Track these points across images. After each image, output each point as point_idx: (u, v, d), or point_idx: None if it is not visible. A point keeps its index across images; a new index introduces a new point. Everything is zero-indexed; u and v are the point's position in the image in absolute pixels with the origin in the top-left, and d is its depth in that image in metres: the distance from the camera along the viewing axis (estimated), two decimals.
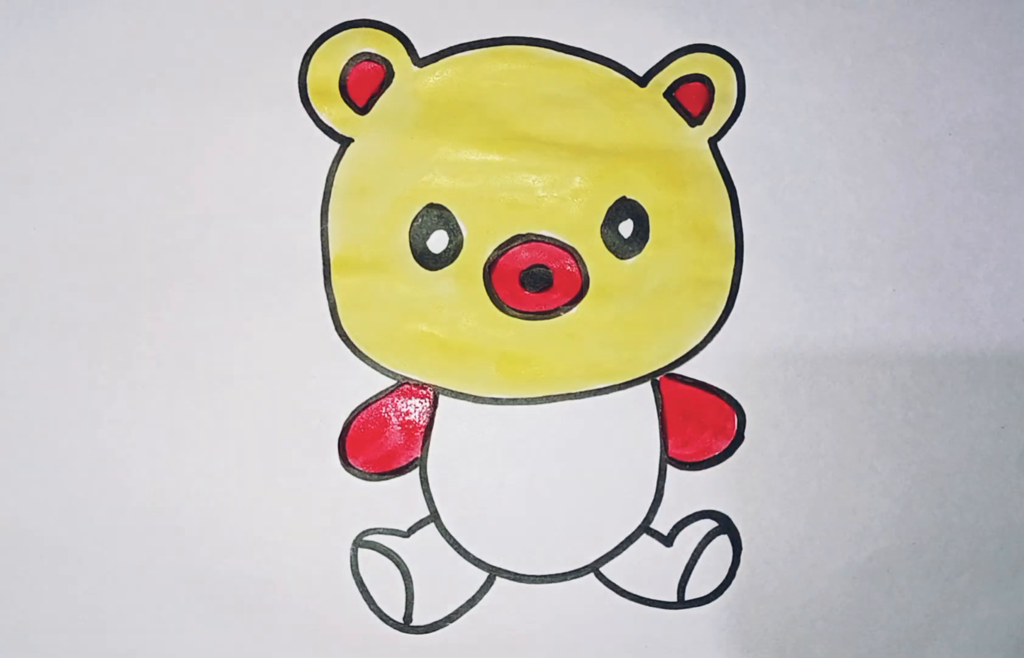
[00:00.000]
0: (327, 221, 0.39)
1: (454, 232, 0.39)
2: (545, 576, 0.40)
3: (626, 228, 0.39)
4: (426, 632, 0.39)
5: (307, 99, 0.39)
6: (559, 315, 0.39)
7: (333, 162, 0.39)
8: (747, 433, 0.40)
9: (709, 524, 0.40)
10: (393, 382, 0.39)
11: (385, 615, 0.39)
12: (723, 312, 0.40)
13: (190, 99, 0.39)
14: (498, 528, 0.39)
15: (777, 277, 0.40)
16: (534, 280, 0.39)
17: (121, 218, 0.38)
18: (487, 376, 0.39)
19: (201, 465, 0.38)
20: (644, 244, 0.40)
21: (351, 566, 0.39)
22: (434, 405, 0.39)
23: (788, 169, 0.40)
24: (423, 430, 0.39)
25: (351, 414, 0.39)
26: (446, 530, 0.39)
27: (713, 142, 0.40)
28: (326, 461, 0.39)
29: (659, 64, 0.40)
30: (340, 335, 0.39)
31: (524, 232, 0.39)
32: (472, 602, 0.40)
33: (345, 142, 0.39)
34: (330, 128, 0.39)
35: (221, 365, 0.38)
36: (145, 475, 0.38)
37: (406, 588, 0.39)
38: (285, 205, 0.39)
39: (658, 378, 0.40)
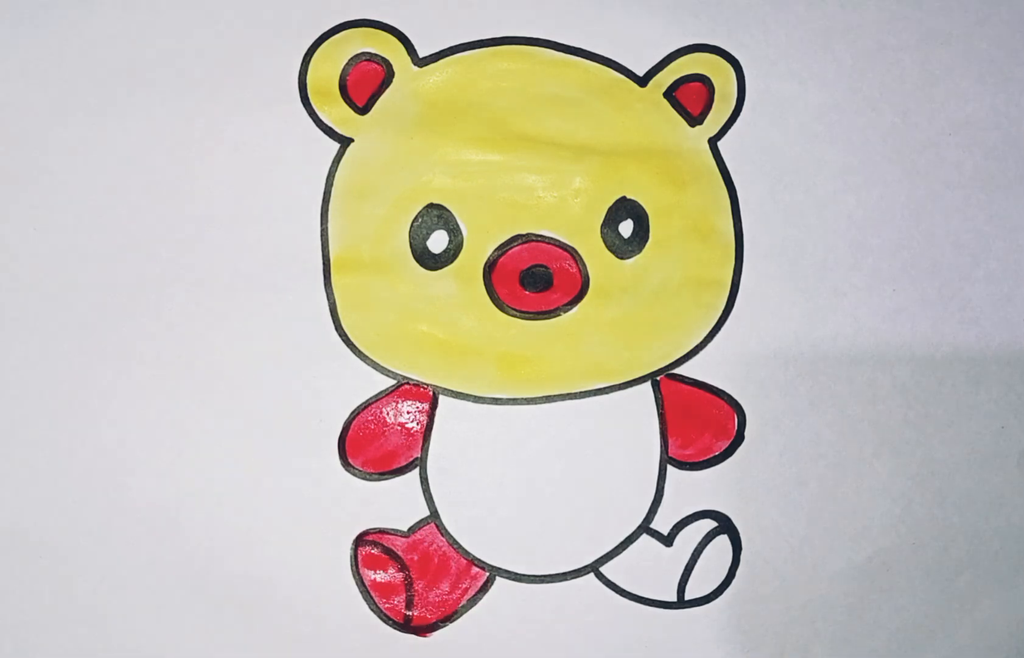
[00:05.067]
0: (327, 221, 0.39)
1: (454, 232, 0.39)
2: (545, 576, 0.40)
3: (626, 228, 0.39)
4: (426, 632, 0.39)
5: (307, 99, 0.39)
6: (559, 315, 0.39)
7: (333, 162, 0.39)
8: (747, 433, 0.40)
9: (709, 524, 0.40)
10: (393, 382, 0.39)
11: (385, 615, 0.39)
12: (723, 312, 0.40)
13: (190, 99, 0.39)
14: (498, 528, 0.39)
15: (777, 277, 0.40)
16: (534, 280, 0.39)
17: (121, 218, 0.38)
18: (487, 376, 0.39)
19: (201, 465, 0.38)
20: (644, 244, 0.40)
21: (351, 566, 0.39)
22: (434, 405, 0.39)
23: (788, 169, 0.40)
24: (423, 430, 0.39)
25: (351, 414, 0.39)
26: (446, 530, 0.39)
27: (713, 142, 0.40)
28: (326, 461, 0.39)
29: (659, 64, 0.40)
30: (340, 335, 0.39)
31: (524, 232, 0.39)
32: (472, 602, 0.40)
33: (345, 142, 0.39)
34: (330, 128, 0.39)
35: (221, 365, 0.38)
36: (145, 475, 0.38)
37: (406, 588, 0.39)
38: (285, 205, 0.39)
39: (658, 378, 0.40)
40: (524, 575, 0.40)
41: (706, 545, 0.40)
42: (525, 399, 0.39)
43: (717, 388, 0.40)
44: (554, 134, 0.39)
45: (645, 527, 0.40)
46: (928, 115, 0.41)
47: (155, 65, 0.39)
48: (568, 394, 0.39)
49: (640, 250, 0.40)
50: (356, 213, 0.39)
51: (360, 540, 0.39)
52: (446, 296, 0.39)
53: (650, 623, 0.40)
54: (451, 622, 0.40)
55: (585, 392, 0.39)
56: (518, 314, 0.39)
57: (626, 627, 0.40)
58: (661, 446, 0.40)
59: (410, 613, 0.39)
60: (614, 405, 0.40)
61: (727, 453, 0.40)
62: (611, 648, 0.40)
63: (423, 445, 0.39)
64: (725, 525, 0.40)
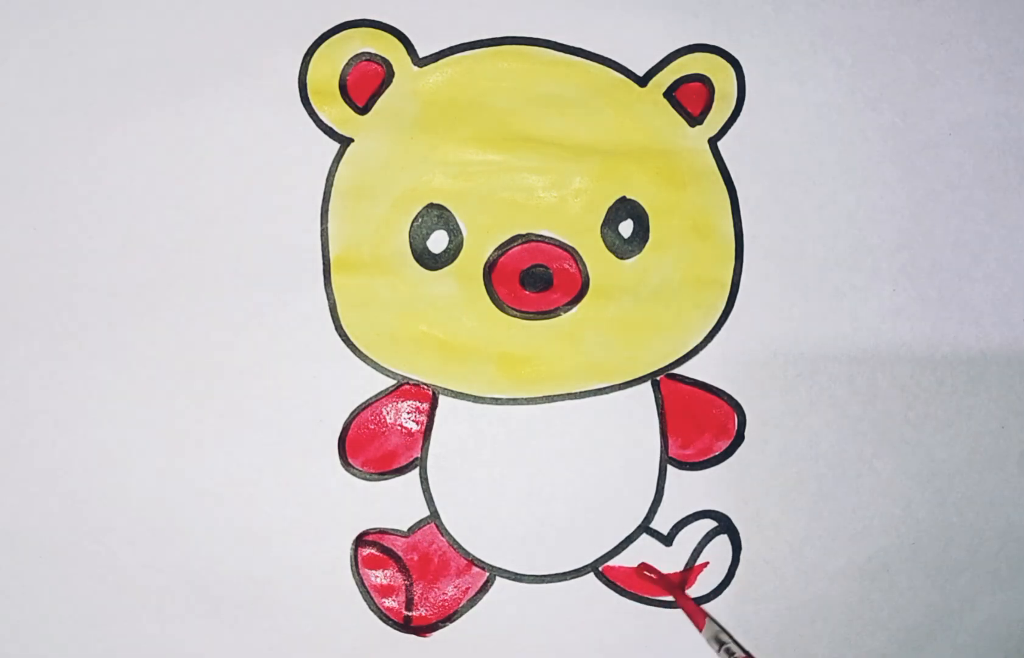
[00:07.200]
0: (327, 221, 0.39)
1: (454, 232, 0.39)
2: (545, 576, 0.40)
3: (626, 228, 0.39)
4: (426, 632, 0.39)
5: (307, 99, 0.39)
6: (559, 315, 0.39)
7: (333, 162, 0.39)
8: (747, 433, 0.40)
9: (709, 524, 0.40)
10: (393, 382, 0.39)
11: (385, 615, 0.39)
12: (723, 312, 0.40)
13: (190, 99, 0.39)
14: (498, 528, 0.39)
15: (777, 277, 0.40)
16: (534, 280, 0.39)
17: (121, 218, 0.38)
18: (487, 376, 0.39)
19: (201, 465, 0.38)
20: (644, 244, 0.40)
21: (351, 566, 0.39)
22: (434, 405, 0.39)
23: (788, 169, 0.40)
24: (423, 430, 0.39)
25: (351, 414, 0.39)
26: (446, 530, 0.39)
27: (713, 142, 0.40)
28: (326, 461, 0.39)
29: (659, 64, 0.40)
30: (340, 335, 0.39)
31: (524, 232, 0.39)
32: (472, 602, 0.40)
33: (345, 142, 0.39)
34: (330, 128, 0.39)
35: (221, 365, 0.38)
36: (145, 475, 0.38)
37: (406, 588, 0.39)
38: (285, 205, 0.39)
39: (658, 378, 0.40)
40: (524, 575, 0.40)
41: (706, 545, 0.40)
42: (525, 399, 0.39)
43: (717, 388, 0.40)
44: (554, 134, 0.39)
45: (645, 527, 0.40)
46: (928, 115, 0.41)
47: (155, 65, 0.39)
48: (568, 394, 0.39)
49: (640, 250, 0.40)
50: (356, 213, 0.39)
51: (360, 540, 0.39)
52: (446, 296, 0.39)
53: (650, 623, 0.40)
54: (451, 622, 0.40)
55: (585, 392, 0.39)
56: (518, 314, 0.39)
57: (626, 627, 0.40)
58: (661, 446, 0.40)
59: (410, 613, 0.39)
60: (614, 405, 0.40)
61: (727, 453, 0.40)
62: (611, 648, 0.40)
63: (423, 445, 0.39)
64: (725, 525, 0.40)
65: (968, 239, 0.41)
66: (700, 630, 0.38)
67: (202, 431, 0.38)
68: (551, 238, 0.39)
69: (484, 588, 0.40)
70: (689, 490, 0.40)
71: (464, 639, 0.40)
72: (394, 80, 0.39)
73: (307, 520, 0.39)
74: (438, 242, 0.39)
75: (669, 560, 0.40)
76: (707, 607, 0.40)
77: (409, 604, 0.39)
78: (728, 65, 0.40)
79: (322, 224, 0.39)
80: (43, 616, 0.39)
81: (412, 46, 0.39)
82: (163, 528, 0.38)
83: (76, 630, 0.39)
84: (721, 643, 0.37)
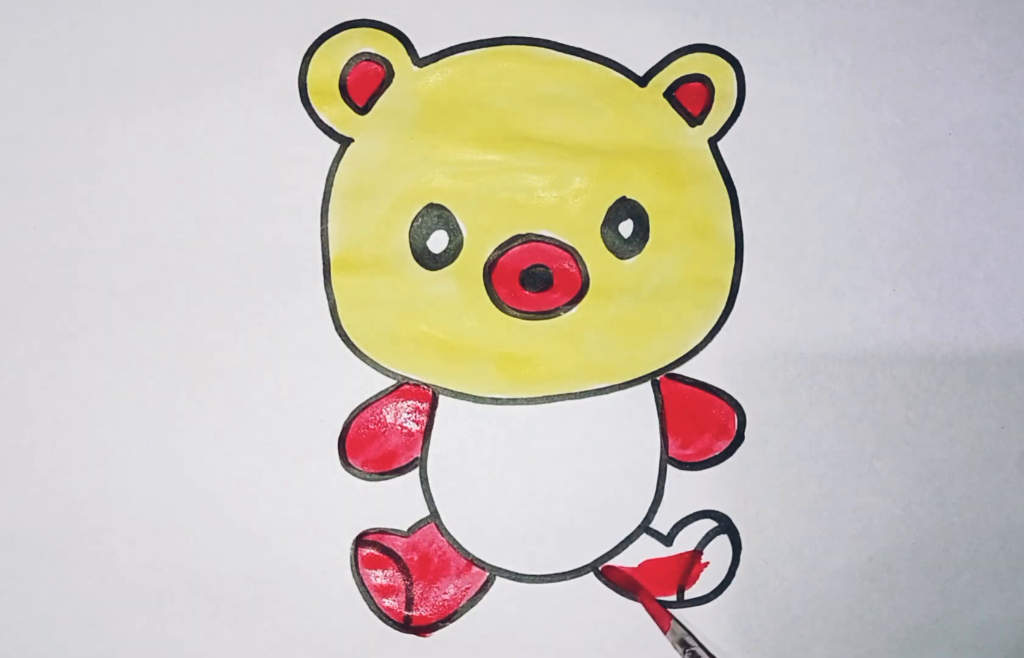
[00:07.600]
0: (327, 221, 0.39)
1: (454, 232, 0.39)
2: (545, 576, 0.40)
3: (626, 228, 0.39)
4: (426, 632, 0.39)
5: (307, 99, 0.39)
6: (559, 315, 0.39)
7: (333, 162, 0.39)
8: (747, 433, 0.40)
9: (709, 524, 0.40)
10: (393, 382, 0.39)
11: (385, 615, 0.39)
12: (723, 312, 0.40)
13: (190, 99, 0.39)
14: (498, 528, 0.39)
15: (777, 277, 0.40)
16: (534, 280, 0.39)
17: (121, 218, 0.38)
18: (487, 376, 0.39)
19: (201, 465, 0.38)
20: (644, 244, 0.40)
21: (351, 566, 0.39)
22: (434, 405, 0.39)
23: (788, 169, 0.40)
24: (423, 430, 0.39)
25: (351, 414, 0.39)
26: (446, 530, 0.39)
27: (713, 142, 0.40)
28: (326, 461, 0.39)
29: (659, 64, 0.40)
30: (340, 335, 0.39)
31: (524, 232, 0.39)
32: (472, 602, 0.40)
33: (345, 142, 0.39)
34: (330, 128, 0.39)
35: (221, 365, 0.38)
36: (145, 475, 0.38)
37: (406, 588, 0.39)
38: (285, 205, 0.39)
39: (658, 378, 0.40)
40: (524, 575, 0.40)
41: (706, 545, 0.40)
42: (525, 399, 0.39)
43: (717, 388, 0.40)
44: (554, 134, 0.39)
45: (645, 527, 0.40)
46: (928, 115, 0.41)
47: (155, 65, 0.39)
48: (568, 394, 0.39)
49: (640, 250, 0.40)
50: (356, 213, 0.39)
51: (360, 540, 0.39)
52: (446, 296, 0.39)
53: (650, 623, 0.40)
54: (451, 622, 0.40)
55: (585, 392, 0.39)
56: (518, 314, 0.39)
57: (626, 627, 0.40)
58: (661, 446, 0.40)
59: (410, 613, 0.39)
60: (614, 405, 0.40)
61: (727, 453, 0.40)
62: (611, 648, 0.40)
63: (423, 445, 0.39)
64: (725, 525, 0.40)
65: (968, 239, 0.41)
66: (664, 632, 0.38)
67: (202, 431, 0.38)
68: (551, 238, 0.39)
69: (484, 588, 0.40)
70: (689, 490, 0.40)
71: (464, 639, 0.40)
72: (394, 80, 0.39)
73: (307, 520, 0.39)
74: (438, 242, 0.39)
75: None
76: (707, 607, 0.40)
77: (409, 604, 0.39)
78: (728, 65, 0.40)
79: (322, 224, 0.39)
80: (43, 616, 0.39)
81: (412, 46, 0.39)
82: (163, 528, 0.38)
83: (76, 630, 0.39)
84: (686, 646, 0.37)
